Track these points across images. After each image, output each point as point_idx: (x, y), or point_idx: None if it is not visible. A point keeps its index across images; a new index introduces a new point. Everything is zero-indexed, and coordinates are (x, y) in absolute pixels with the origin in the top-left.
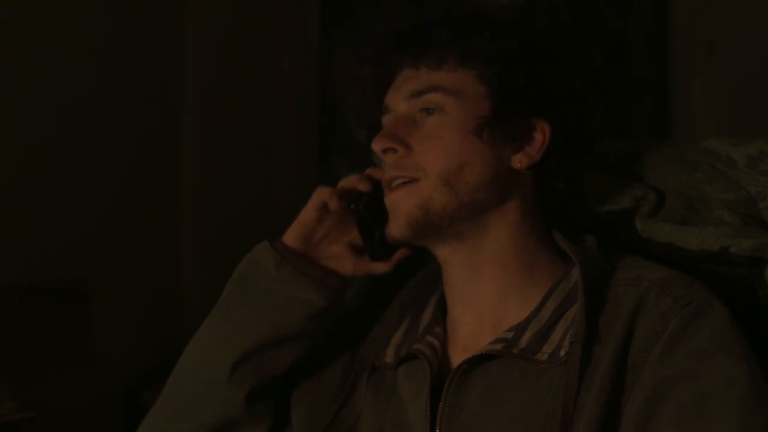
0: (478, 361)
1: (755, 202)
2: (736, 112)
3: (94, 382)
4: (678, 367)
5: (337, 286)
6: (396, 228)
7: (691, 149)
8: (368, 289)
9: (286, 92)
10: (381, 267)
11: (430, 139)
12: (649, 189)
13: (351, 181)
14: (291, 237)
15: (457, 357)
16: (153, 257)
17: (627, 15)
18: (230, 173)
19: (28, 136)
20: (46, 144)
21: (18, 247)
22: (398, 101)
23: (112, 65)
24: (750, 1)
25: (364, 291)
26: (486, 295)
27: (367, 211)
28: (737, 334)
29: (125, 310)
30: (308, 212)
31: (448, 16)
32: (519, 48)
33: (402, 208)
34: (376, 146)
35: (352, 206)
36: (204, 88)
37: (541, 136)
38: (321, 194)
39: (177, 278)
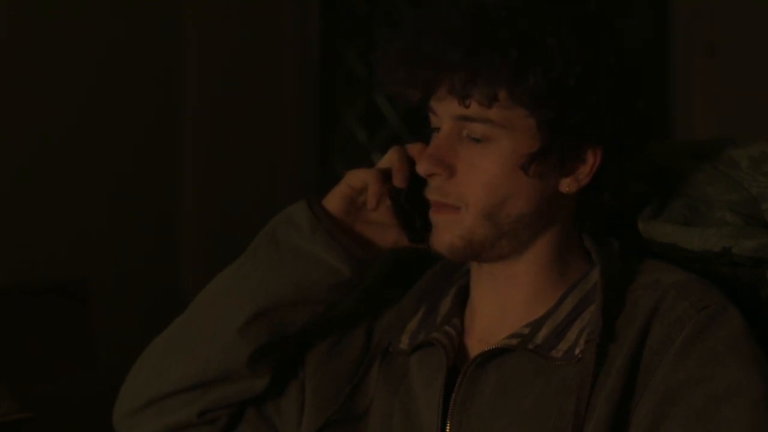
0: (493, 355)
1: (757, 203)
2: (736, 112)
3: (94, 382)
4: (691, 371)
5: (367, 259)
6: (438, 247)
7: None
8: (392, 273)
9: (287, 92)
10: (423, 245)
11: (474, 168)
12: (650, 188)
13: (393, 166)
14: (333, 201)
15: (473, 348)
16: (153, 258)
17: (627, 15)
18: (230, 173)
19: (29, 138)
20: (47, 145)
21: (18, 247)
22: (444, 115)
23: (114, 67)
24: (750, 1)
25: (387, 274)
26: (514, 296)
27: (407, 201)
28: (751, 340)
29: (125, 310)
30: (348, 186)
31: (505, 47)
32: (575, 84)
33: (444, 236)
34: (421, 169)
35: (391, 194)
36: (204, 89)
37: (592, 159)
38: (361, 177)
39: (177, 278)
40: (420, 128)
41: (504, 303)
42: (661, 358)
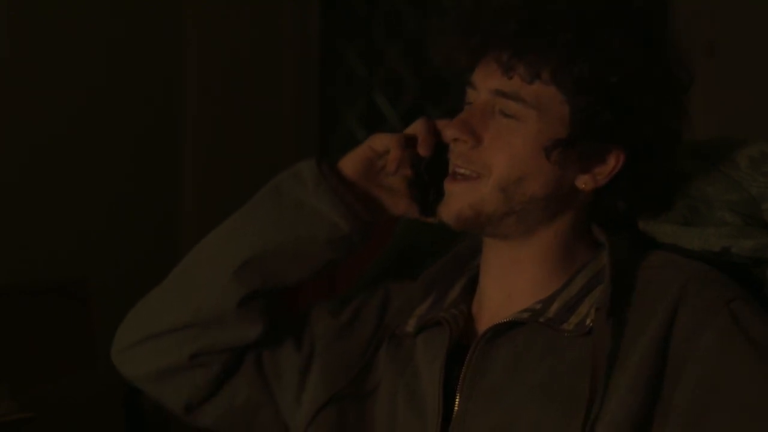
0: (504, 329)
1: (757, 203)
2: (736, 112)
3: (94, 382)
4: (736, 364)
5: (369, 220)
6: (445, 215)
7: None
8: (405, 258)
9: (287, 92)
10: (431, 219)
11: (500, 140)
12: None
13: (419, 134)
14: (351, 161)
15: (481, 327)
16: (153, 258)
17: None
18: (230, 174)
19: (29, 138)
20: (47, 145)
21: (18, 247)
22: (482, 88)
23: (114, 68)
24: (750, 1)
25: (400, 259)
26: (519, 283)
27: (427, 171)
28: None
29: (125, 310)
30: (369, 148)
31: (560, 28)
32: (618, 82)
33: (455, 203)
34: (449, 133)
35: (413, 161)
36: (204, 89)
37: (613, 162)
38: (384, 141)
39: None
40: None
41: (510, 290)
42: (694, 346)
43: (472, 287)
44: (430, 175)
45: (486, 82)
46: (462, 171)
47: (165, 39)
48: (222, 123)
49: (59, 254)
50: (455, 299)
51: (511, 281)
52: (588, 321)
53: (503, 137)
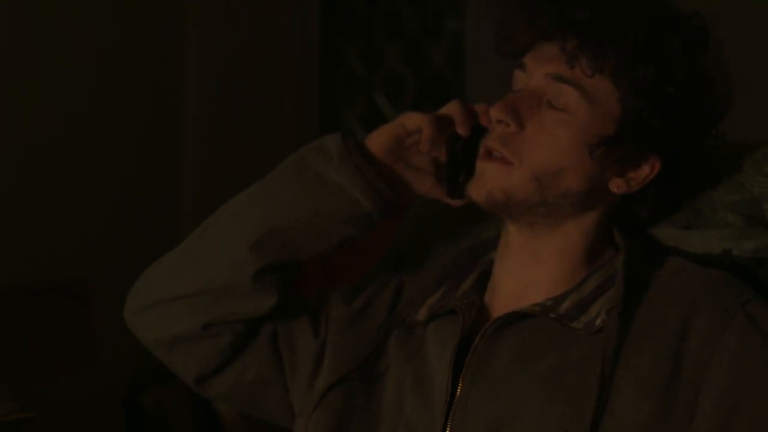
0: (512, 320)
1: (759, 203)
2: (735, 112)
3: (94, 382)
4: (760, 365)
5: (392, 199)
6: (475, 194)
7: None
8: (419, 244)
9: (287, 92)
10: (455, 201)
11: (544, 130)
12: None
13: (456, 115)
14: (379, 137)
15: (493, 316)
16: (153, 258)
17: None
18: (230, 174)
19: (29, 138)
20: (47, 145)
21: (18, 247)
22: (536, 72)
23: (114, 67)
24: (750, 1)
25: (416, 245)
26: (537, 276)
27: (462, 151)
28: None
29: None
30: (401, 126)
31: (632, 28)
32: (674, 92)
33: (487, 183)
34: (494, 114)
35: (449, 141)
36: (204, 89)
37: (648, 169)
38: (417, 120)
39: None
40: None
41: (526, 282)
42: (714, 350)
43: (484, 280)
44: (464, 154)
45: (543, 66)
46: (498, 154)
47: (165, 39)
48: (222, 123)
49: (59, 254)
50: (467, 291)
51: (529, 273)
52: (598, 321)
53: (547, 128)
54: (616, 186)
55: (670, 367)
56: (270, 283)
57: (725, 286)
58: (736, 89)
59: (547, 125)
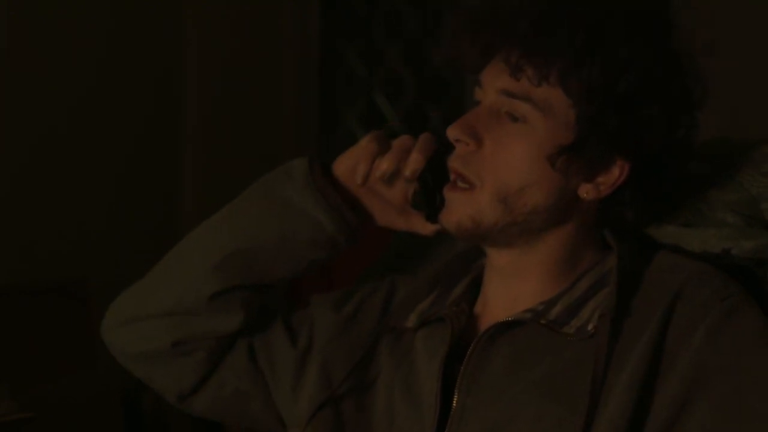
0: (504, 328)
1: (757, 203)
2: (736, 112)
3: (94, 382)
4: (719, 359)
5: (355, 223)
6: (446, 223)
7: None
8: (409, 253)
9: (287, 92)
10: (428, 229)
11: (502, 146)
12: None
13: (417, 147)
14: (342, 162)
15: (483, 326)
16: (153, 258)
17: None
18: (230, 174)
19: (29, 137)
20: (47, 145)
21: (18, 247)
22: (489, 88)
23: (114, 67)
24: (750, 1)
25: (405, 254)
26: (525, 290)
27: (430, 174)
28: None
29: None
30: (360, 150)
31: (571, 30)
32: (626, 90)
33: (454, 213)
34: (451, 133)
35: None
36: (204, 89)
37: (617, 172)
38: (371, 148)
39: None
40: (420, 128)
41: (515, 294)
42: (685, 342)
43: (475, 286)
44: (434, 176)
45: (494, 82)
46: (462, 185)
47: (165, 39)
48: (222, 123)
49: (59, 254)
50: (458, 297)
51: (517, 287)
52: (590, 327)
53: (505, 144)
54: (585, 192)
55: (651, 359)
56: (235, 302)
57: (709, 280)
58: (735, 89)
59: (504, 140)
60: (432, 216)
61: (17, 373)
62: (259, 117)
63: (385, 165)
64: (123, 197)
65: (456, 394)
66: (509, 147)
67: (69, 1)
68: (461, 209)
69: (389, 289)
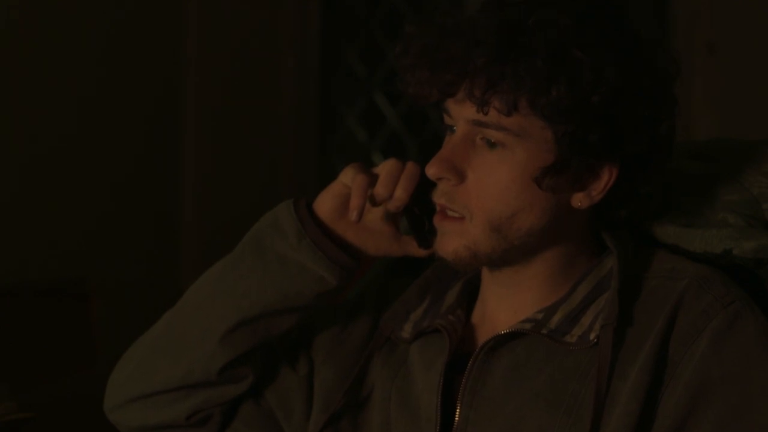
0: (505, 340)
1: (758, 203)
2: (736, 112)
3: (94, 382)
4: (724, 368)
5: (353, 267)
6: (442, 252)
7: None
8: (400, 262)
9: (287, 93)
10: (423, 252)
11: (486, 175)
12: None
13: (400, 184)
14: (325, 200)
15: (482, 337)
16: (153, 257)
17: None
18: (230, 173)
19: (29, 137)
20: (47, 145)
21: (18, 247)
22: (459, 118)
23: (114, 67)
24: (750, 1)
25: (396, 263)
26: (525, 302)
27: (416, 204)
28: None
29: (125, 310)
30: (340, 186)
31: (530, 56)
32: (599, 101)
33: (449, 243)
34: (430, 172)
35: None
36: (205, 89)
37: (607, 176)
38: (349, 181)
39: (177, 278)
40: (420, 128)
41: (515, 307)
42: (688, 350)
43: (469, 290)
44: (420, 205)
45: (462, 113)
46: (451, 213)
47: (165, 39)
48: (222, 123)
49: (59, 253)
50: (452, 304)
51: (516, 300)
52: (592, 336)
53: (488, 173)
54: (579, 201)
55: (654, 367)
56: (246, 367)
57: (711, 286)
58: (736, 89)
59: (486, 170)
60: (423, 243)
61: (17, 373)
62: (259, 117)
63: (380, 192)
64: (123, 197)
65: (458, 407)
66: (492, 176)
67: (70, 2)
68: (456, 240)
69: (379, 300)
